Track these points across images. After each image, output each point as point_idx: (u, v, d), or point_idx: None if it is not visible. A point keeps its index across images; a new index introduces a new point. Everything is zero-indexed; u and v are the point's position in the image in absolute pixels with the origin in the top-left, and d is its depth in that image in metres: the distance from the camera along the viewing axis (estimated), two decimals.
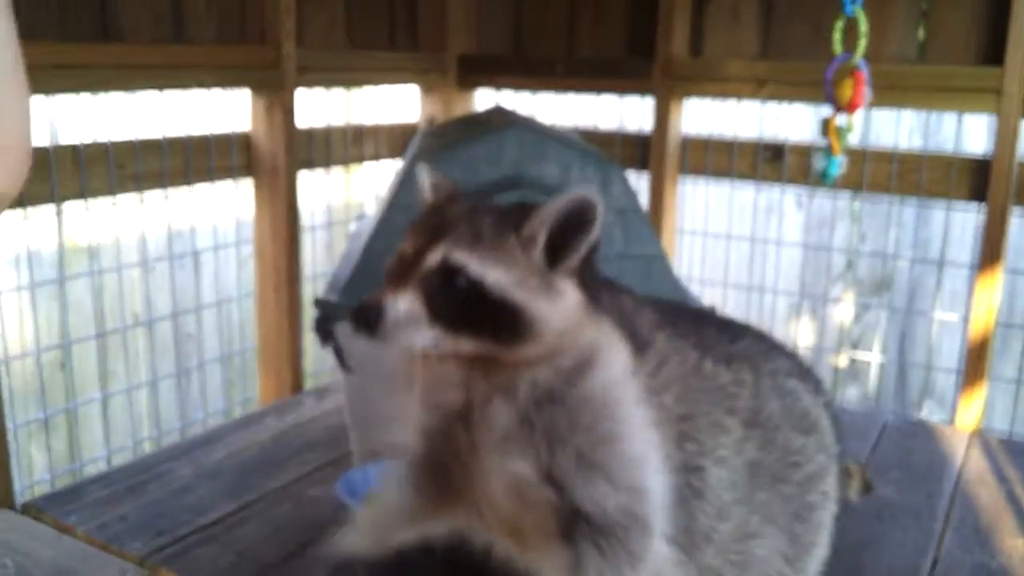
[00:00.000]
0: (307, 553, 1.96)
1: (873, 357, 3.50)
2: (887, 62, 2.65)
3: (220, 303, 2.93)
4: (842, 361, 3.53)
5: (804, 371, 1.43)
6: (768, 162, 2.97)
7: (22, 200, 2.15)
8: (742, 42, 2.93)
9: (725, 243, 3.21)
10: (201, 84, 2.48)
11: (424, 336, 1.14)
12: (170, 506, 2.12)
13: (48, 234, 2.50)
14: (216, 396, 3.04)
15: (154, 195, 2.58)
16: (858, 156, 2.74)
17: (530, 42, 3.33)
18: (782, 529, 1.29)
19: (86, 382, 2.72)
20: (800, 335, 3.46)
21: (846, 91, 1.70)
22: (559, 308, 1.17)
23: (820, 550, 1.37)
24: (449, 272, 1.14)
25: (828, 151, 1.78)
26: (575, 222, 1.14)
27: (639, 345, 1.22)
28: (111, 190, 2.40)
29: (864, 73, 1.71)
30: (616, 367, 1.19)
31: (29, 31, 1.99)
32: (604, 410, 1.16)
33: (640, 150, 3.15)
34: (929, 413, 3.46)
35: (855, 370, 3.60)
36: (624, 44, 3.17)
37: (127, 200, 2.52)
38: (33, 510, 2.09)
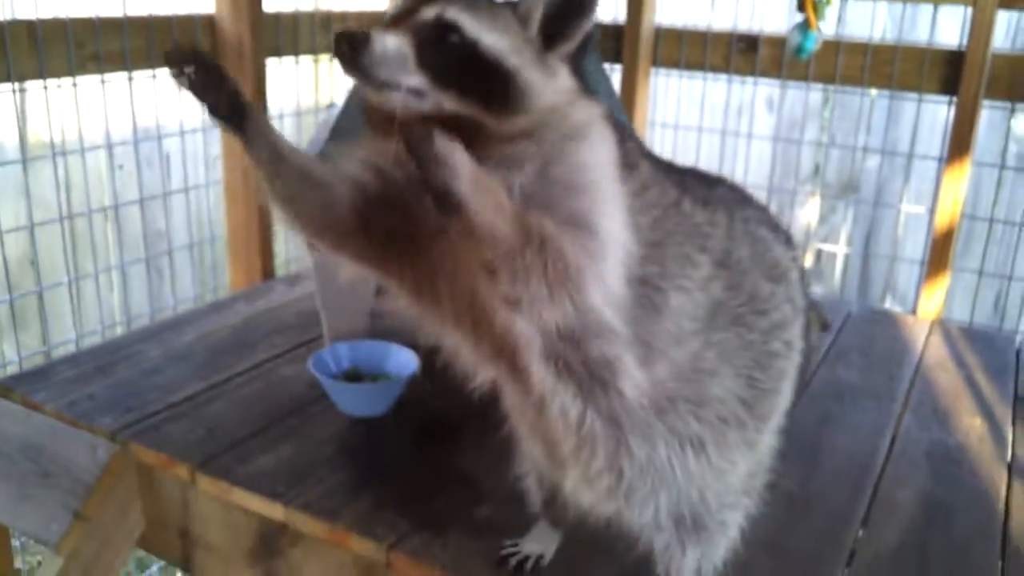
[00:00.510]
0: (279, 427, 1.98)
1: (839, 250, 3.54)
2: None
3: (188, 191, 2.89)
4: (808, 257, 3.57)
5: (775, 224, 1.43)
6: (742, 53, 2.95)
7: None
8: None
9: (696, 136, 3.20)
10: None
11: (408, 78, 1.11)
12: (140, 385, 2.12)
13: (8, 121, 2.44)
14: (186, 285, 3.03)
15: (117, 78, 2.52)
16: (831, 47, 2.72)
17: None
18: (739, 372, 1.30)
19: (54, 276, 2.69)
20: None
21: None
22: (552, 84, 1.16)
23: (781, 399, 1.38)
24: (444, 27, 1.12)
25: (805, 25, 1.75)
26: (572, 7, 1.14)
27: (625, 164, 1.21)
28: (71, 71, 2.34)
29: None
30: (602, 151, 1.18)
31: None
32: (581, 188, 1.15)
33: (613, 41, 3.11)
34: (891, 306, 3.51)
35: (820, 265, 3.64)
36: None
37: (89, 84, 2.46)
38: (1, 389, 2.09)
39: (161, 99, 2.70)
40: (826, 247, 3.56)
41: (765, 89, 3.29)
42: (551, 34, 1.16)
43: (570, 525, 1.54)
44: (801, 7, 1.75)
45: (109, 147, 2.65)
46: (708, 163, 3.20)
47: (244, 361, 2.27)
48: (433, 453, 1.93)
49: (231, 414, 2.03)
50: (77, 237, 2.72)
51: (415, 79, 1.11)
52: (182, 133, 2.83)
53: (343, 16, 3.08)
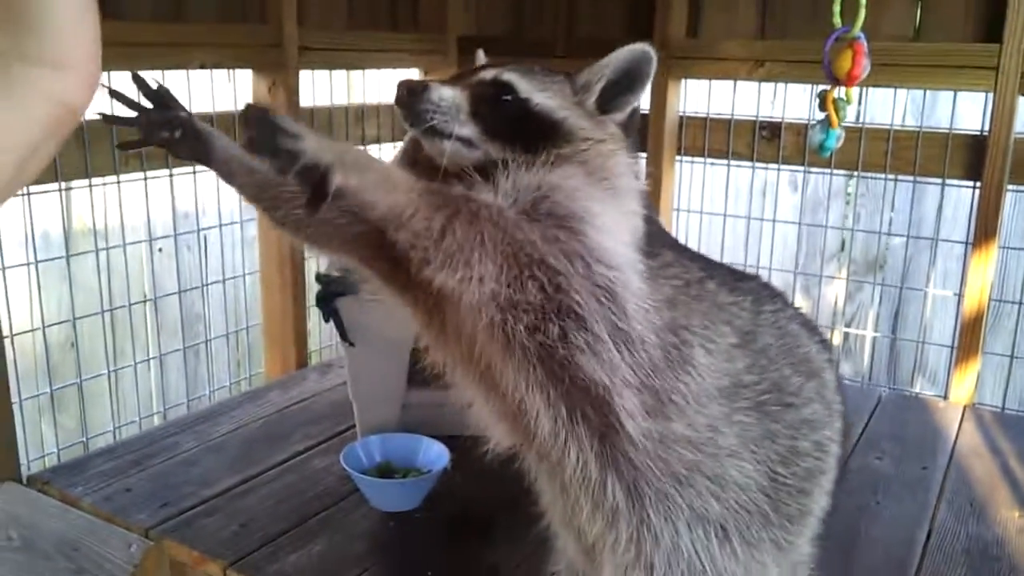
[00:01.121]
0: (311, 523, 2.00)
1: (866, 333, 3.53)
2: (884, 39, 2.66)
3: (226, 281, 2.95)
4: (836, 338, 3.56)
5: (810, 324, 1.43)
6: (765, 141, 2.99)
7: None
8: (740, 22, 2.95)
9: (721, 222, 3.23)
10: (202, 63, 2.49)
11: (461, 128, 1.19)
12: (175, 478, 2.15)
13: (54, 215, 2.52)
14: (222, 373, 3.07)
15: (159, 175, 2.61)
16: (854, 135, 2.76)
17: (530, 23, 3.35)
18: (760, 461, 1.27)
19: (95, 361, 2.74)
20: None
21: (845, 63, 1.71)
22: (598, 128, 1.25)
23: (811, 503, 1.35)
24: (499, 86, 1.23)
25: (826, 123, 1.79)
26: (632, 76, 1.24)
27: (650, 244, 1.25)
28: (115, 168, 2.42)
29: (863, 44, 1.72)
30: (629, 199, 1.24)
31: None
32: (587, 213, 1.17)
33: (637, 130, 3.16)
34: (921, 389, 3.48)
35: (848, 347, 3.63)
36: (623, 24, 3.18)
37: (131, 181, 2.54)
38: (39, 482, 2.12)
39: (200, 191, 2.79)
40: (853, 331, 3.54)
41: (788, 173, 3.32)
42: (604, 107, 1.26)
43: None
44: (823, 106, 1.79)
45: (150, 239, 2.73)
46: (734, 247, 3.22)
47: (278, 453, 2.30)
48: (465, 548, 1.93)
49: (264, 508, 2.05)
50: (117, 322, 2.79)
51: (467, 129, 1.20)
52: (220, 226, 2.90)
53: (377, 110, 3.16)
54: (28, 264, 2.41)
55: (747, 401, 1.27)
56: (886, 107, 3.13)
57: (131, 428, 2.70)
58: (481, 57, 1.42)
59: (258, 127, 0.99)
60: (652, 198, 3.07)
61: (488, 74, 1.25)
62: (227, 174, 1.38)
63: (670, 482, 1.24)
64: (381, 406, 2.26)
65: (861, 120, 3.08)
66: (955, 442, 2.50)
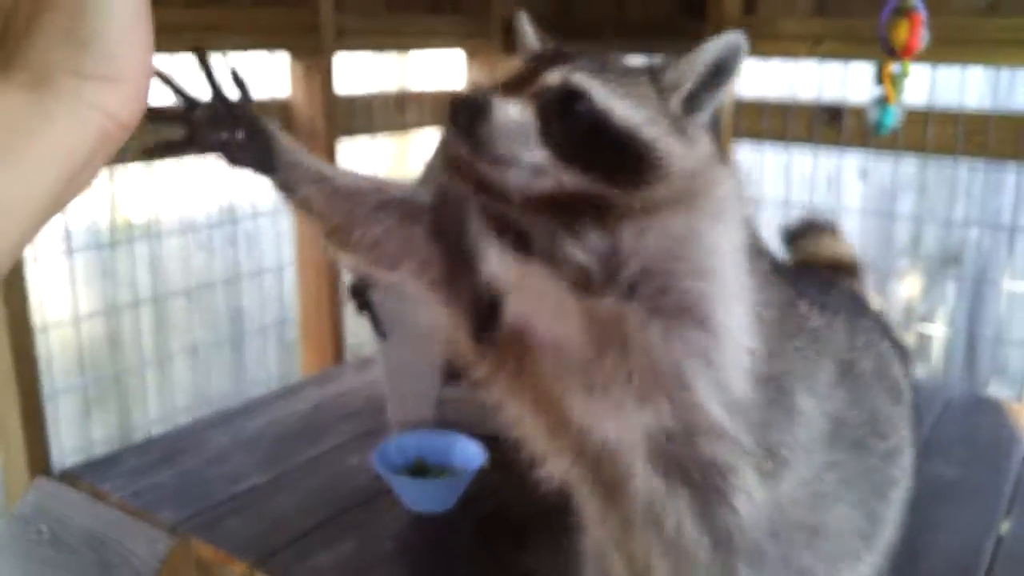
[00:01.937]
0: (341, 521, 1.92)
1: (940, 331, 3.34)
2: (954, 15, 2.49)
3: (261, 273, 2.91)
4: (908, 338, 3.39)
5: (893, 336, 1.33)
6: (826, 125, 2.83)
7: None
8: None
9: (783, 210, 3.08)
10: (238, 47, 2.43)
11: (531, 154, 0.97)
12: (205, 475, 2.10)
13: (95, 205, 2.50)
14: (258, 367, 3.03)
15: (192, 161, 2.56)
16: (920, 117, 2.59)
17: (578, 3, 3.23)
18: (860, 500, 1.18)
19: (132, 355, 2.72)
20: None
21: (901, 33, 1.58)
22: (692, 152, 1.03)
23: (891, 531, 1.28)
24: (570, 95, 1.00)
25: (883, 100, 1.66)
26: (721, 70, 1.04)
27: (755, 252, 1.10)
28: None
29: (921, 14, 1.58)
30: (736, 235, 1.06)
31: None
32: (705, 273, 1.02)
33: None
34: (999, 390, 3.29)
35: (921, 345, 3.44)
36: (675, 4, 3.05)
37: (165, 167, 2.51)
38: (71, 477, 2.09)
39: (238, 182, 2.74)
40: (926, 328, 3.36)
41: (853, 160, 3.16)
42: (690, 104, 1.05)
43: None
44: (879, 80, 1.66)
45: (190, 230, 2.69)
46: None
47: (311, 449, 2.23)
48: (496, 552, 1.84)
49: (294, 506, 1.98)
50: (155, 309, 2.76)
51: (538, 154, 0.98)
52: (254, 216, 2.85)
53: (419, 97, 3.08)
54: (69, 252, 2.39)
55: (845, 438, 1.17)
56: (954, 87, 2.94)
57: (165, 424, 2.67)
58: (528, 31, 1.17)
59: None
60: None
61: (555, 77, 1.00)
62: (290, 184, 1.19)
63: (766, 538, 1.13)
64: (415, 401, 2.18)
65: (931, 101, 2.90)
66: None
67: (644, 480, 1.07)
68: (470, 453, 2.00)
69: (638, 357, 0.96)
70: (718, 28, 2.81)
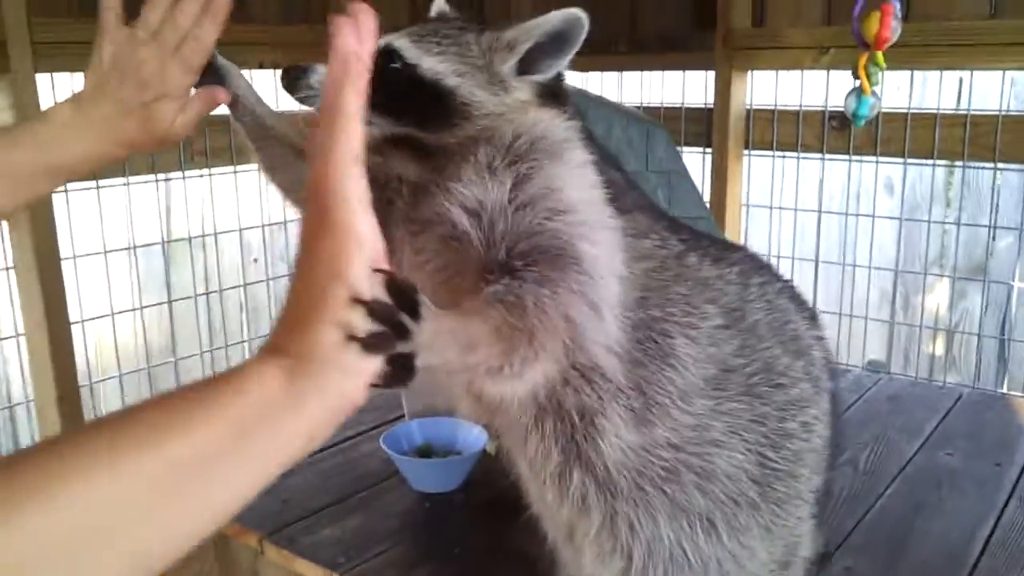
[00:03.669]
0: (350, 501, 2.02)
1: (972, 338, 3.33)
2: (958, 19, 2.53)
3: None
4: (939, 347, 3.38)
5: (800, 298, 1.35)
6: (835, 131, 2.89)
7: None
8: (805, 9, 2.86)
9: (815, 217, 3.09)
10: (264, 63, 2.58)
11: None
12: None
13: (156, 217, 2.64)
14: None
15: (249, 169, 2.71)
16: (957, 121, 2.60)
17: (592, 19, 3.32)
18: (751, 448, 1.21)
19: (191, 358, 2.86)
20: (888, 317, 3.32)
21: (872, 25, 1.65)
22: (500, 98, 1.17)
23: (800, 484, 1.28)
24: (387, 55, 1.15)
25: (859, 92, 1.72)
26: (561, 40, 1.17)
27: (616, 203, 1.17)
28: (180, 165, 2.53)
29: (893, 5, 1.64)
30: (581, 173, 1.16)
31: (81, 7, 2.13)
32: (560, 211, 1.10)
33: (705, 125, 3.11)
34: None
35: (952, 356, 3.43)
36: (688, 18, 3.14)
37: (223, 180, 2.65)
38: None
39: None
40: (957, 338, 3.35)
41: (883, 169, 3.14)
42: (525, 65, 1.18)
43: None
44: (855, 73, 1.73)
45: (241, 241, 2.83)
46: (827, 247, 3.08)
47: (330, 437, 2.32)
48: (495, 530, 1.91)
49: (307, 486, 2.08)
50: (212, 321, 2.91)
51: None
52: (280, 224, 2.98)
53: None
54: (129, 249, 2.52)
55: (736, 386, 1.21)
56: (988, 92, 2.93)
57: None
58: (441, 4, 1.34)
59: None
60: (718, 193, 3.03)
61: (381, 42, 1.09)
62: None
63: (647, 482, 1.19)
64: (427, 395, 2.27)
65: (966, 106, 2.89)
66: None
67: (533, 432, 1.16)
68: (473, 436, 2.09)
69: (531, 318, 1.02)
70: (727, 39, 2.93)
